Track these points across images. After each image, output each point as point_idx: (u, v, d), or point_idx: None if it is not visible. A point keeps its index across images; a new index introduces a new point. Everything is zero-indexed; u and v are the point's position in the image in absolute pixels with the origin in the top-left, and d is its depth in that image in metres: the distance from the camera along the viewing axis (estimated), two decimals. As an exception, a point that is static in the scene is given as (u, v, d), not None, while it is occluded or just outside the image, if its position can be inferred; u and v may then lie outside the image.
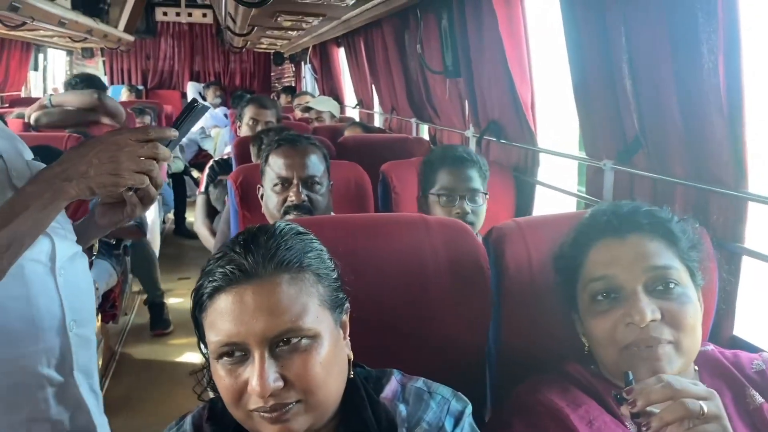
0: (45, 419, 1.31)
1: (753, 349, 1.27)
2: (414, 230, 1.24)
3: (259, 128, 3.19)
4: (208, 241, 3.18)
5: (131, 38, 6.76)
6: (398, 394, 0.93)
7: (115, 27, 5.71)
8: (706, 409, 0.82)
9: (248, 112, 3.38)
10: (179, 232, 6.17)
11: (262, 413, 0.80)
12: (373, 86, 4.81)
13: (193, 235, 5.80)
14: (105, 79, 8.67)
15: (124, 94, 7.32)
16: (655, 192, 1.63)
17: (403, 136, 3.32)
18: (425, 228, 1.24)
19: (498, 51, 2.35)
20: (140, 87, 8.39)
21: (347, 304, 0.93)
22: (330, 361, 0.84)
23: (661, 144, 1.57)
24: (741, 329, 1.40)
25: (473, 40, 2.60)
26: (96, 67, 8.54)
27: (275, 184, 1.81)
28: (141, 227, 3.51)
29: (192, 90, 8.43)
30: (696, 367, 1.09)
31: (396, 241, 1.23)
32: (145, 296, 4.07)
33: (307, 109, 4.85)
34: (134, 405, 3.03)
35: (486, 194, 1.87)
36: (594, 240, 1.08)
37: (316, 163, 1.83)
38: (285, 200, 1.78)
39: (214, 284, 0.83)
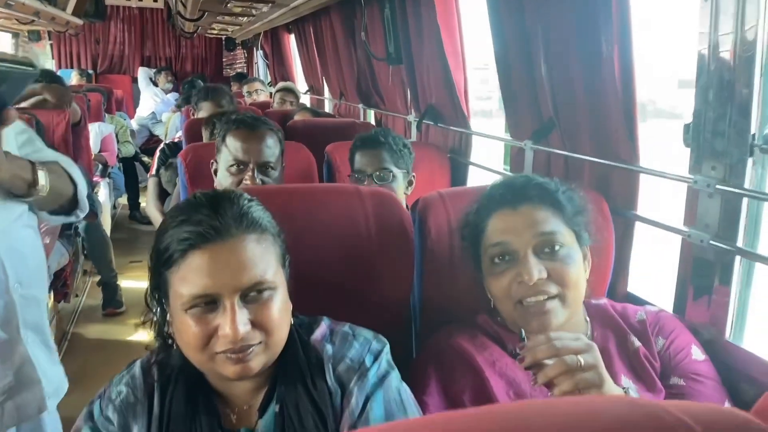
0: None
1: (643, 303, 1.46)
2: (348, 199, 1.38)
3: None
4: (159, 221, 3.24)
5: (80, 22, 6.66)
6: (326, 336, 1.06)
7: (64, 10, 5.64)
8: (583, 362, 0.96)
9: (205, 108, 3.37)
10: (133, 217, 6.16)
11: (228, 354, 0.92)
12: (322, 73, 4.89)
13: (146, 221, 5.83)
14: (53, 63, 8.50)
15: (74, 78, 7.21)
16: (567, 167, 1.81)
17: (351, 121, 3.42)
18: (358, 197, 1.38)
19: (435, 39, 2.49)
20: (90, 71, 8.24)
21: (289, 262, 1.06)
22: (283, 309, 0.98)
23: (571, 125, 1.75)
24: (634, 286, 1.59)
25: (413, 29, 2.73)
26: (44, 51, 8.35)
27: (231, 165, 1.86)
28: (93, 209, 3.55)
29: (143, 75, 8.33)
30: (588, 318, 1.26)
31: (332, 208, 1.36)
32: (97, 278, 4.10)
33: (287, 90, 4.79)
34: (87, 382, 3.00)
35: (407, 172, 2.01)
36: (492, 210, 1.23)
37: (272, 148, 1.88)
38: (239, 182, 1.84)
39: (188, 242, 0.91)
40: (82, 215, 1.61)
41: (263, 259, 0.95)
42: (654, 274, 1.71)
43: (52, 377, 1.60)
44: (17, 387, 1.47)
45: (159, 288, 0.99)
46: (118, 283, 4.07)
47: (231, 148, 1.86)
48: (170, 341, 1.03)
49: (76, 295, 4.07)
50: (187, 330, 0.93)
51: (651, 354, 1.21)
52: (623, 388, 1.04)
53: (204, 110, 3.40)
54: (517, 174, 1.36)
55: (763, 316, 1.38)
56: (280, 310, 0.96)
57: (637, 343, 1.22)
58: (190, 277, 0.92)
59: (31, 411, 1.51)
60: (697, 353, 1.20)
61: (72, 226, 3.55)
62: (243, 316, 0.92)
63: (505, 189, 1.24)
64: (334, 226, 1.34)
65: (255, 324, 0.93)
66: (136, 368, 1.03)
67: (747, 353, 1.25)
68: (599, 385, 0.97)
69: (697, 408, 0.42)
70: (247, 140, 1.86)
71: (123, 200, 6.35)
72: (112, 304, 3.99)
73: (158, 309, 1.01)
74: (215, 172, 1.96)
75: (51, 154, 1.56)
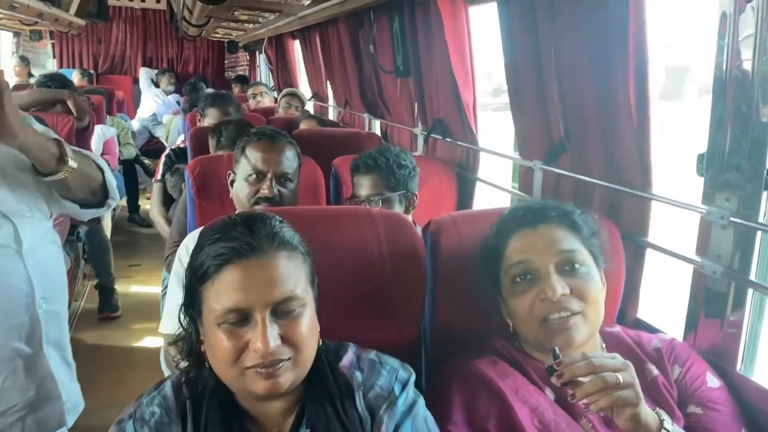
0: (15, 387, 1.42)
1: (653, 330, 1.46)
2: (360, 222, 1.38)
3: None
4: (163, 228, 3.23)
5: (82, 22, 6.64)
6: (354, 363, 1.08)
7: (67, 11, 5.63)
8: (621, 380, 0.99)
9: (211, 115, 3.38)
10: (132, 220, 6.15)
11: (258, 369, 0.94)
12: (327, 80, 4.89)
13: (146, 223, 5.82)
14: (54, 62, 8.47)
15: (75, 78, 7.19)
16: (577, 190, 1.81)
17: (356, 131, 3.42)
18: (370, 220, 1.38)
19: (444, 55, 2.49)
20: (91, 71, 8.22)
21: (317, 283, 1.07)
22: (312, 326, 1.00)
23: (583, 148, 1.75)
24: (644, 312, 1.59)
25: (422, 44, 2.74)
26: (45, 50, 8.33)
27: (250, 175, 1.88)
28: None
29: (144, 75, 8.31)
30: (603, 344, 1.27)
31: (345, 231, 1.36)
32: (95, 281, 4.09)
33: (292, 94, 4.80)
34: (87, 388, 3.04)
35: (405, 193, 2.00)
36: (512, 231, 1.26)
37: (291, 160, 1.92)
38: (257, 192, 1.86)
39: (223, 257, 0.95)
40: (114, 203, 1.60)
41: (294, 275, 0.98)
42: (660, 297, 1.71)
43: (71, 394, 1.61)
44: (39, 402, 1.47)
45: (193, 305, 1.01)
46: (115, 287, 4.07)
47: (251, 159, 1.89)
48: (201, 361, 1.04)
49: (76, 300, 4.06)
50: (218, 344, 0.95)
51: (668, 382, 1.22)
52: (654, 410, 1.04)
53: (210, 117, 3.40)
54: (538, 198, 1.37)
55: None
56: (309, 327, 0.99)
57: (655, 371, 1.23)
58: (223, 292, 0.95)
59: (51, 426, 1.52)
60: (713, 381, 1.22)
61: (75, 231, 3.54)
62: (273, 331, 0.94)
63: (524, 210, 1.27)
64: (347, 248, 1.34)
65: (285, 339, 0.95)
66: (167, 389, 1.04)
67: (758, 385, 1.25)
68: (636, 404, 0.99)
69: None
70: (267, 151, 1.89)
71: (122, 202, 6.33)
72: (108, 308, 3.99)
73: (191, 328, 1.03)
74: (232, 183, 1.97)
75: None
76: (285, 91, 4.79)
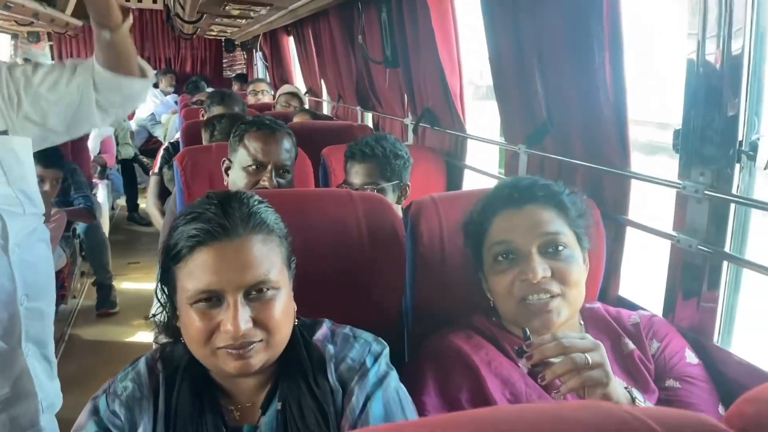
0: None
1: (634, 307, 1.47)
2: (340, 203, 1.39)
3: None
4: (158, 220, 3.25)
5: (79, 23, 6.65)
6: (328, 337, 1.08)
7: (63, 11, 5.64)
8: (590, 360, 0.98)
9: (216, 112, 3.34)
10: (131, 219, 6.18)
11: (229, 350, 0.95)
12: (321, 76, 4.90)
13: (145, 222, 5.85)
14: (52, 64, 8.48)
15: (72, 79, 7.22)
16: (560, 172, 1.82)
17: (348, 123, 3.43)
18: (350, 201, 1.40)
19: (431, 43, 2.50)
20: (89, 72, 8.22)
21: (294, 265, 1.08)
22: (286, 309, 1.00)
23: (564, 130, 1.76)
24: (624, 290, 1.60)
25: (410, 33, 2.75)
26: (43, 52, 8.35)
27: (249, 165, 1.86)
28: (91, 211, 3.58)
29: (143, 76, 8.32)
30: (581, 321, 1.28)
31: (324, 213, 1.37)
32: (93, 279, 4.12)
33: (292, 93, 4.82)
34: (85, 385, 3.00)
35: (399, 183, 1.99)
36: (498, 209, 1.24)
37: (289, 151, 1.91)
38: (256, 182, 1.84)
39: (196, 239, 0.95)
40: (150, 75, 1.68)
41: (268, 259, 0.98)
42: (641, 275, 1.72)
43: (49, 391, 1.61)
44: (13, 399, 1.47)
45: (168, 282, 1.02)
46: (112, 284, 4.09)
47: (250, 148, 1.87)
48: (178, 335, 1.05)
49: (74, 297, 4.08)
50: (191, 324, 0.96)
51: (645, 356, 1.22)
52: (626, 387, 1.05)
53: (215, 114, 3.40)
54: (523, 176, 1.38)
55: (750, 320, 1.39)
56: (282, 310, 0.99)
57: (631, 345, 1.24)
58: (196, 273, 0.95)
59: (24, 424, 1.51)
60: (691, 357, 1.22)
61: (71, 228, 3.56)
62: (245, 314, 0.94)
63: (511, 188, 1.25)
64: (326, 230, 1.35)
65: (257, 322, 0.96)
66: (141, 365, 1.05)
67: (734, 357, 1.27)
68: (606, 384, 0.99)
69: (665, 413, 0.43)
70: (267, 142, 1.87)
71: (121, 201, 6.36)
72: (106, 304, 4.01)
73: (167, 303, 1.04)
74: (227, 170, 1.96)
75: None
76: (285, 88, 4.79)
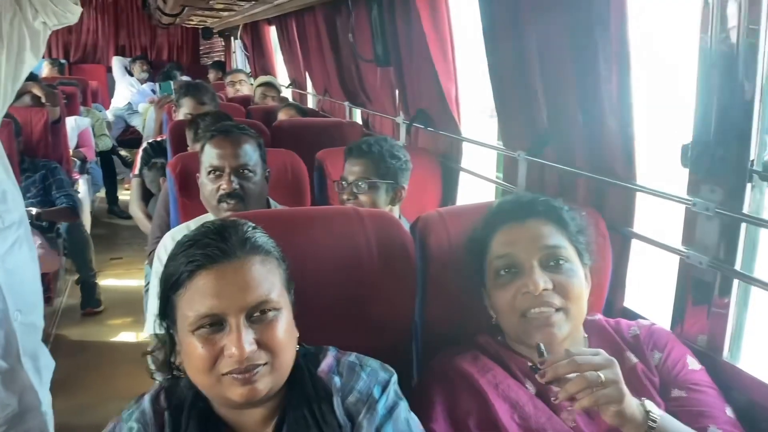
0: None
1: (639, 318, 1.48)
2: (347, 222, 1.37)
3: None
4: (144, 224, 3.19)
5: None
6: (333, 368, 1.07)
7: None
8: (603, 378, 0.99)
9: (186, 105, 3.33)
10: (112, 212, 6.07)
11: (234, 375, 0.93)
12: (305, 69, 4.83)
13: (126, 215, 5.74)
14: (23, 52, 8.25)
15: (45, 69, 7.02)
16: (561, 181, 1.82)
17: (338, 121, 3.40)
18: (358, 219, 1.37)
19: (424, 45, 2.47)
20: (63, 61, 8.03)
21: (293, 289, 1.06)
22: (288, 331, 1.00)
23: (566, 139, 1.75)
24: (630, 301, 1.60)
25: (401, 32, 2.71)
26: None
27: (209, 173, 1.89)
28: (74, 210, 3.50)
29: (118, 64, 8.14)
30: (585, 335, 1.28)
31: (333, 232, 1.35)
32: (75, 276, 4.05)
33: (267, 84, 4.76)
34: (70, 387, 3.01)
35: (394, 183, 1.99)
36: (499, 224, 1.25)
37: (249, 152, 1.90)
38: (218, 188, 1.86)
39: (195, 263, 0.95)
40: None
41: (267, 279, 0.98)
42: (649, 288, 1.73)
43: (45, 401, 1.59)
44: (20, 415, 1.46)
45: (167, 315, 1.00)
46: (96, 281, 4.03)
47: (208, 156, 1.91)
48: (178, 372, 1.03)
49: (57, 296, 4.02)
50: (194, 351, 0.95)
51: (649, 369, 1.22)
52: (640, 402, 1.04)
53: (185, 107, 3.35)
54: (525, 192, 1.37)
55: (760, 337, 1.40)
56: (285, 331, 0.98)
57: (634, 359, 1.24)
58: (196, 298, 0.94)
59: None
60: (693, 363, 1.23)
61: (54, 228, 3.49)
62: (248, 336, 0.93)
63: (512, 204, 1.27)
64: (335, 249, 1.33)
65: (260, 344, 0.95)
66: (146, 403, 1.03)
67: (744, 373, 1.28)
68: (619, 401, 0.99)
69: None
70: (221, 146, 1.89)
71: (101, 194, 6.24)
72: (91, 303, 3.96)
73: (167, 339, 1.02)
74: (201, 184, 1.97)
75: None
76: (260, 80, 4.73)
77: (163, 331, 1.03)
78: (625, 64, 1.48)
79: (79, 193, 4.20)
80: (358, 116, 3.93)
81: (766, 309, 1.38)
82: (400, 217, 2.07)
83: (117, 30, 8.86)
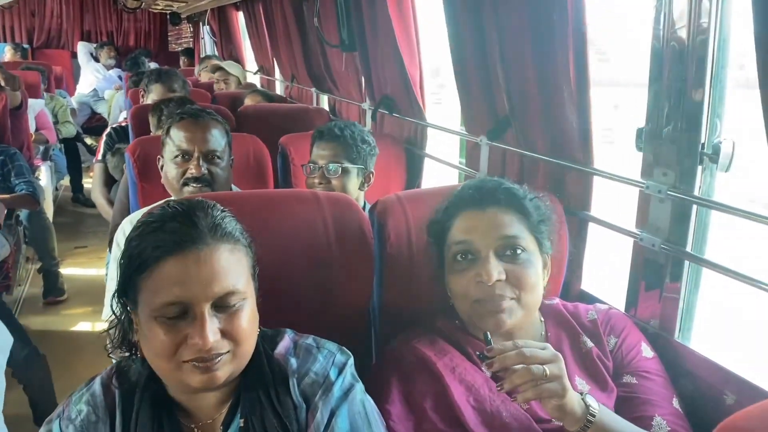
0: None
1: (596, 300, 1.50)
2: (306, 205, 1.36)
3: None
4: (106, 210, 3.14)
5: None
6: (290, 350, 1.06)
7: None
8: (548, 372, 1.00)
9: (155, 91, 3.25)
10: (77, 200, 5.96)
11: (195, 363, 0.91)
12: (273, 54, 4.79)
13: (90, 203, 5.64)
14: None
15: (7, 54, 6.85)
16: (522, 166, 1.83)
17: (304, 107, 3.38)
18: (316, 203, 1.36)
19: (389, 30, 2.47)
20: (26, 46, 7.84)
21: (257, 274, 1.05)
22: (252, 320, 0.98)
23: (526, 124, 1.76)
24: (587, 284, 1.63)
25: (367, 18, 2.70)
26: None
27: (176, 156, 1.84)
28: (35, 196, 3.43)
29: (83, 50, 7.97)
30: (542, 318, 1.29)
31: (290, 215, 1.34)
32: (38, 265, 3.98)
33: (217, 68, 4.74)
34: None
35: (363, 168, 2.01)
36: (461, 209, 1.25)
37: (217, 138, 1.87)
38: (185, 172, 1.82)
39: (162, 249, 0.92)
40: None
41: (236, 269, 0.96)
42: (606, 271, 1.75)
43: None
44: None
45: (127, 294, 0.97)
46: (59, 270, 3.96)
47: (175, 139, 1.86)
48: (134, 350, 1.02)
49: (19, 285, 3.93)
50: (155, 337, 0.92)
51: (603, 353, 1.24)
52: (580, 393, 1.07)
53: (155, 93, 3.27)
54: (489, 177, 1.37)
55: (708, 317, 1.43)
56: (249, 320, 0.97)
57: (590, 343, 1.25)
58: (162, 285, 0.92)
59: None
60: (647, 351, 1.25)
61: (13, 215, 3.41)
62: (213, 325, 0.92)
63: (474, 190, 1.26)
64: (294, 232, 1.32)
65: (224, 334, 0.93)
66: (96, 385, 1.01)
67: (694, 352, 1.31)
68: (562, 395, 1.01)
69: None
70: (190, 130, 1.85)
71: (65, 182, 6.11)
72: (53, 292, 3.90)
73: (124, 316, 1.00)
74: (161, 167, 1.93)
75: None
76: (213, 65, 4.68)
77: (120, 309, 1.00)
78: (582, 50, 1.49)
79: (40, 180, 4.11)
80: (325, 103, 3.90)
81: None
82: (364, 202, 2.07)
83: (82, 14, 8.65)
